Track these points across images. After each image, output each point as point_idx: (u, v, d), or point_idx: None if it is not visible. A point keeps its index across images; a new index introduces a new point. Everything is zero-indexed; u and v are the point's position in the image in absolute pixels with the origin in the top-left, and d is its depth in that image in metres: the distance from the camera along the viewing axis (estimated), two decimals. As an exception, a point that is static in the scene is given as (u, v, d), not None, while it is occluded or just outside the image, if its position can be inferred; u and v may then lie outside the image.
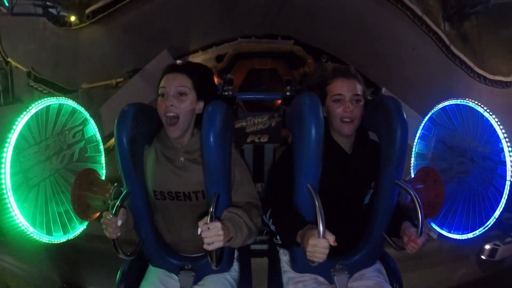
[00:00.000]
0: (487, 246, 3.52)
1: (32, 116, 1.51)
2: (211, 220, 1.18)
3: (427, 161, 2.03)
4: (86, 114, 1.84)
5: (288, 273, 1.60)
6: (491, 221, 1.64)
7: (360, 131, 1.54)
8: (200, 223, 1.19)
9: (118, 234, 1.33)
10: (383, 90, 4.79)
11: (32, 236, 1.48)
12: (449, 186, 1.85)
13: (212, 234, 1.18)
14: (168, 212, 1.55)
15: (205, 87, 1.49)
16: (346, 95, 1.48)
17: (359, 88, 1.51)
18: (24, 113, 1.47)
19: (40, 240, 1.52)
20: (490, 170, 1.66)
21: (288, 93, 2.00)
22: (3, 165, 1.37)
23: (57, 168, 1.66)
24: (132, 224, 1.50)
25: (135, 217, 1.49)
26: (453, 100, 1.81)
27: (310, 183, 1.31)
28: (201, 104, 1.46)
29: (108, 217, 1.30)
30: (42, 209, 1.55)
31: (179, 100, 1.41)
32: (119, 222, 1.30)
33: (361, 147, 1.56)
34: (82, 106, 1.79)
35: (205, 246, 1.20)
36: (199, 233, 1.20)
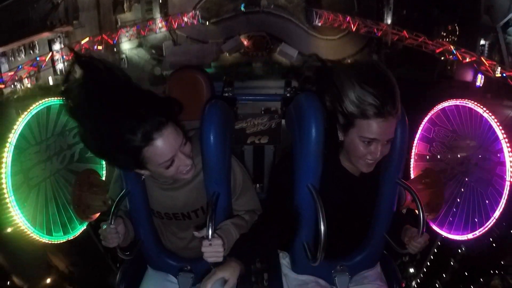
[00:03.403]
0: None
1: (33, 116, 1.51)
2: (212, 234, 1.17)
3: (426, 162, 2.04)
4: (87, 115, 1.84)
5: (288, 276, 1.59)
6: (491, 222, 1.64)
7: None
8: (204, 242, 1.17)
9: (118, 242, 1.31)
10: (282, 43, 15.30)
11: (32, 236, 1.48)
12: (448, 186, 1.86)
13: (212, 250, 1.18)
14: (167, 227, 1.55)
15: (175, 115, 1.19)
16: (379, 140, 1.20)
17: (395, 127, 1.22)
18: (25, 113, 1.48)
19: (40, 240, 1.52)
20: (489, 171, 1.66)
21: (288, 94, 2.01)
22: (4, 165, 1.37)
23: (58, 168, 1.67)
24: (132, 234, 1.48)
25: (134, 218, 1.48)
26: (452, 101, 1.82)
27: (311, 183, 1.31)
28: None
29: (103, 227, 1.28)
30: (42, 209, 1.55)
31: (185, 148, 1.20)
32: (112, 226, 1.27)
33: None
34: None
35: (205, 258, 1.20)
36: (196, 234, 1.20)
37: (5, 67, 11.65)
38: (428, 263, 1.82)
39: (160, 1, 14.82)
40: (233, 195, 1.46)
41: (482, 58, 11.43)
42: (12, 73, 11.68)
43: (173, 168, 1.16)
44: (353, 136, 1.23)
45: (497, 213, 1.61)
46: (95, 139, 1.05)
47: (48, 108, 1.60)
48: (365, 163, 1.27)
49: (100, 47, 13.92)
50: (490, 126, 1.63)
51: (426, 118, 2.01)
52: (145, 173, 1.21)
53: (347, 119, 1.21)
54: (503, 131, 1.59)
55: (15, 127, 1.43)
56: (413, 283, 1.66)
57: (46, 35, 12.19)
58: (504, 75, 11.18)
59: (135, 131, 1.03)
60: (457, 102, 1.80)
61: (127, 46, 14.88)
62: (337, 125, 1.26)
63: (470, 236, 1.72)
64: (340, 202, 1.39)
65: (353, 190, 1.41)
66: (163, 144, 1.08)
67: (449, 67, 13.47)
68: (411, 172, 2.12)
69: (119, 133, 1.02)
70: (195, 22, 14.84)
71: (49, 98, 1.62)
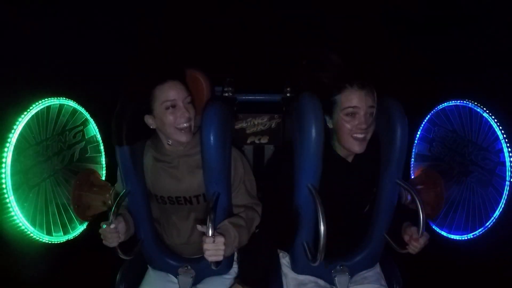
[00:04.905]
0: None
1: (32, 116, 1.51)
2: (212, 234, 1.17)
3: (426, 162, 2.04)
4: (87, 115, 1.85)
5: (288, 276, 1.59)
6: (491, 222, 1.64)
7: None
8: (208, 239, 1.18)
9: (119, 241, 1.31)
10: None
11: (32, 236, 1.48)
12: (448, 186, 1.86)
13: (214, 248, 1.19)
14: (167, 215, 1.55)
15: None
16: (361, 108, 1.28)
17: (374, 97, 1.30)
18: (25, 113, 1.48)
19: (40, 240, 1.52)
20: (489, 171, 1.66)
21: (287, 94, 2.01)
22: (3, 165, 1.37)
23: (58, 168, 1.67)
24: (133, 229, 1.49)
25: (135, 218, 1.48)
26: (452, 101, 1.82)
27: (311, 183, 1.32)
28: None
29: (103, 226, 1.28)
30: (42, 209, 1.56)
31: (188, 107, 1.36)
32: (112, 225, 1.28)
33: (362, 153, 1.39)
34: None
35: (206, 257, 1.21)
36: (199, 228, 1.20)
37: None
38: (428, 263, 1.82)
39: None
40: (234, 186, 1.47)
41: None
42: None
43: (172, 115, 1.32)
44: (338, 115, 1.32)
45: (497, 213, 1.61)
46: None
47: (48, 108, 1.60)
48: (355, 140, 1.31)
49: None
50: (490, 126, 1.63)
51: (426, 118, 2.01)
52: (152, 123, 1.37)
53: (329, 98, 1.33)
54: (503, 131, 1.58)
55: (15, 127, 1.43)
56: (413, 283, 1.66)
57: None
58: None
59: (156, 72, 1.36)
60: (457, 102, 1.80)
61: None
62: (325, 114, 1.34)
63: (470, 236, 1.72)
64: (334, 187, 1.40)
65: (346, 175, 1.43)
66: (169, 88, 1.32)
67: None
68: (411, 172, 2.12)
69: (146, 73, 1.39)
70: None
71: (49, 98, 1.62)
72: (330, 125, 1.38)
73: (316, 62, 1.38)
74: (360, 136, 1.31)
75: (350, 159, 1.45)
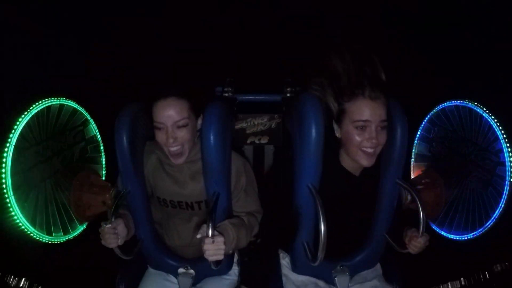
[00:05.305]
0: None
1: (33, 116, 1.51)
2: (212, 234, 1.17)
3: (426, 162, 2.04)
4: (87, 115, 1.85)
5: (288, 276, 1.59)
6: (491, 222, 1.64)
7: None
8: (207, 240, 1.18)
9: (118, 243, 1.31)
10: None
11: (32, 236, 1.48)
12: (448, 186, 1.86)
13: (214, 247, 1.19)
14: (168, 218, 1.55)
15: (202, 103, 1.37)
16: (372, 122, 1.21)
17: (386, 110, 1.22)
18: (25, 113, 1.48)
19: (40, 240, 1.52)
20: (489, 171, 1.66)
21: (288, 94, 2.02)
22: (3, 165, 1.37)
23: (58, 168, 1.67)
24: (133, 231, 1.49)
25: (134, 218, 1.49)
26: (452, 101, 1.83)
27: (311, 183, 1.31)
28: (200, 120, 1.37)
29: (103, 227, 1.28)
30: (42, 209, 1.56)
31: (180, 131, 1.33)
32: (109, 226, 1.27)
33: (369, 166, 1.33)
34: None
35: (206, 257, 1.21)
36: (198, 237, 1.20)
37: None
38: (428, 263, 1.82)
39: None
40: (235, 194, 1.46)
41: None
42: None
43: (161, 134, 1.31)
44: (347, 126, 1.25)
45: (497, 213, 1.61)
46: None
47: (48, 108, 1.60)
48: (364, 153, 1.25)
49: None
50: (490, 126, 1.63)
51: (426, 118, 2.02)
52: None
53: (338, 105, 1.25)
54: (503, 131, 1.59)
55: (15, 127, 1.43)
56: (413, 283, 1.67)
57: None
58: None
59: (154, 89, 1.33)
60: (457, 102, 1.80)
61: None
62: (333, 121, 1.30)
63: (470, 236, 1.72)
64: (340, 204, 1.39)
65: (353, 190, 1.41)
66: (161, 109, 1.29)
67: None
68: (411, 172, 2.12)
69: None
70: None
71: (49, 98, 1.62)
72: (338, 135, 1.32)
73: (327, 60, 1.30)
74: (369, 150, 1.24)
75: (357, 173, 1.40)
